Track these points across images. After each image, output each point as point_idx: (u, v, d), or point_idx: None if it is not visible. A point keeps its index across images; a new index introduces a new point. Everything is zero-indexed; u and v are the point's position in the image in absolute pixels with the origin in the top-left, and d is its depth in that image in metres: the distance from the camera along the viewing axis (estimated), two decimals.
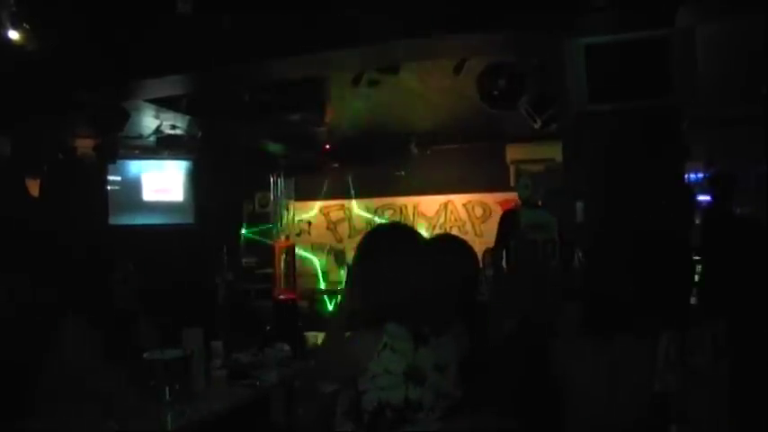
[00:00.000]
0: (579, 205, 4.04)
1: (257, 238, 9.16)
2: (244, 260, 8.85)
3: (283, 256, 9.15)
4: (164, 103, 6.12)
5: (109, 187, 6.79)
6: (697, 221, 5.19)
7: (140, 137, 6.69)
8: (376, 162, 9.08)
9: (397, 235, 2.15)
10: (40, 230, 5.05)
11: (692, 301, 4.33)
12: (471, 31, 4.16)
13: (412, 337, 1.94)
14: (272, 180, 9.26)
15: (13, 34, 4.08)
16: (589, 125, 3.90)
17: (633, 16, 3.65)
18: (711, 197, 5.20)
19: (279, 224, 9.56)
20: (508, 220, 5.57)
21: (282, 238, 9.52)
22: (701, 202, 5.91)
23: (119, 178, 6.93)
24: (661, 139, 3.77)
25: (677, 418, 2.37)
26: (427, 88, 6.49)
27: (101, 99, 5.19)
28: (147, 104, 5.99)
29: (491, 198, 9.30)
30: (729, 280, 3.98)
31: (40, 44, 4.14)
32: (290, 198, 9.80)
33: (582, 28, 3.78)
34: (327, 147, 8.66)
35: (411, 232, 2.17)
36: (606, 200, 3.85)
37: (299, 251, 9.65)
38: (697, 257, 4.89)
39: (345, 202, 9.82)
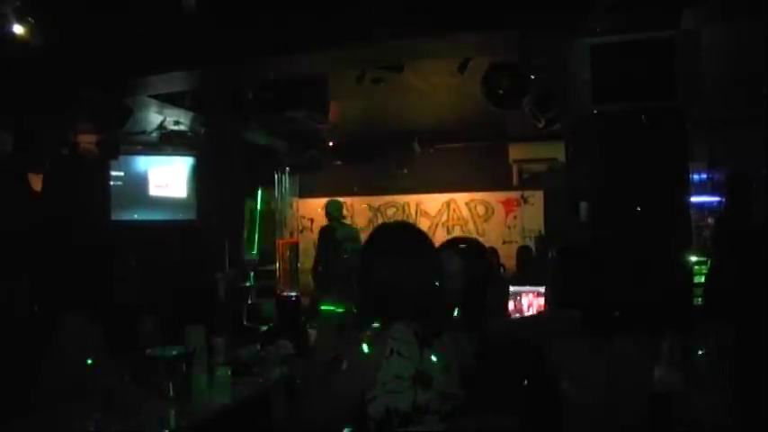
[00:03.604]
0: (582, 205, 4.04)
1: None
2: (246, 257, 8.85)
3: (287, 253, 9.14)
4: (167, 100, 6.13)
5: (112, 183, 6.78)
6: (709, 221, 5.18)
7: (144, 133, 6.69)
8: (379, 160, 9.08)
9: (401, 233, 2.16)
10: (42, 226, 5.06)
11: (697, 301, 4.32)
12: (476, 31, 4.16)
13: (416, 338, 1.93)
14: (276, 177, 9.26)
15: (18, 29, 4.08)
16: (593, 125, 3.90)
17: (638, 17, 3.64)
18: (726, 198, 5.16)
19: (282, 221, 9.55)
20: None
21: (286, 234, 9.51)
22: (710, 202, 5.91)
23: (122, 174, 6.93)
24: (665, 139, 3.77)
25: (679, 420, 2.37)
26: (431, 87, 6.49)
27: (103, 95, 5.19)
28: (150, 100, 5.99)
29: (493, 197, 9.31)
30: (738, 282, 3.96)
31: (44, 39, 4.14)
32: (293, 195, 9.79)
33: (587, 28, 3.78)
34: (331, 144, 8.66)
35: (416, 230, 2.17)
36: (609, 200, 3.84)
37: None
38: (704, 258, 4.88)
39: (347, 199, 9.82)
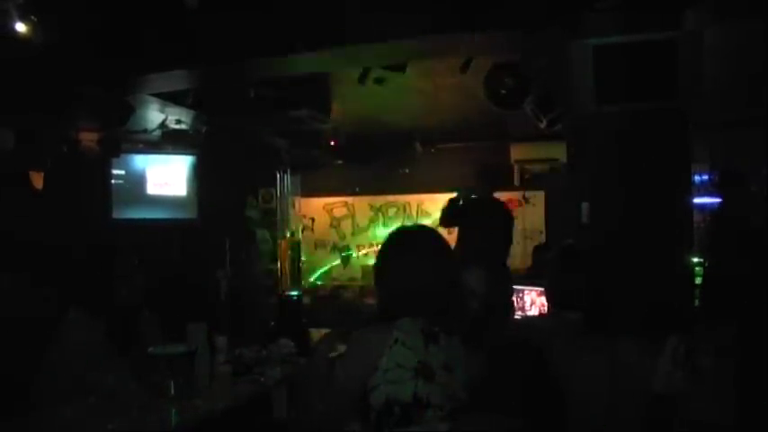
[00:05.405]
0: (584, 205, 4.04)
1: None
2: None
3: (288, 253, 9.15)
4: (169, 98, 6.13)
5: (113, 181, 6.77)
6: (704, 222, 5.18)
7: (145, 131, 6.69)
8: (380, 159, 9.08)
9: (420, 234, 2.21)
10: (43, 224, 5.06)
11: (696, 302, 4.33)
12: (478, 31, 4.15)
13: (422, 333, 1.95)
14: (277, 176, 9.27)
15: (20, 27, 4.08)
16: (595, 126, 3.90)
17: (641, 18, 3.64)
18: (720, 197, 5.17)
19: (284, 220, 9.55)
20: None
21: (288, 234, 9.52)
22: (711, 203, 5.91)
23: (122, 172, 6.92)
24: (666, 140, 3.77)
25: (680, 420, 2.37)
26: (433, 86, 6.48)
27: (105, 93, 5.20)
28: (152, 99, 5.99)
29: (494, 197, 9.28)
30: (735, 283, 3.97)
31: (46, 37, 4.14)
32: (295, 194, 9.79)
33: (590, 29, 3.78)
34: (332, 143, 8.66)
35: (434, 233, 2.22)
36: (610, 201, 3.85)
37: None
38: (701, 258, 4.88)
39: (349, 199, 9.82)
